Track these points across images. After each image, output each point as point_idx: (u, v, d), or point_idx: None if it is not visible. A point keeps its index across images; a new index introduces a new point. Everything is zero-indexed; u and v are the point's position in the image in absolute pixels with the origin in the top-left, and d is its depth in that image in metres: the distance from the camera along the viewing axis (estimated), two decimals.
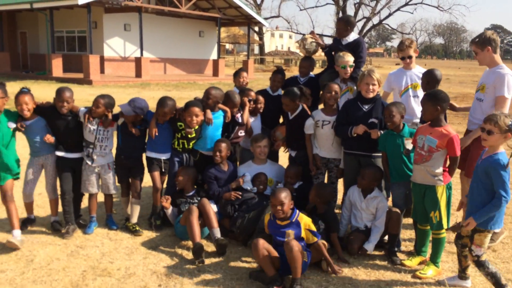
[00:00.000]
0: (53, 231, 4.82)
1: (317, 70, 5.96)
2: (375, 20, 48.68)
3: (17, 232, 4.43)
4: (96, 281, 3.85)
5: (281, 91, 5.60)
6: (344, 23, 5.43)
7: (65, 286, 3.76)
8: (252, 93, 5.47)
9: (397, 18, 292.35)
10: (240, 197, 4.78)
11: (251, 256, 4.35)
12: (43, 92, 18.04)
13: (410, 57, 5.05)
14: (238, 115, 5.22)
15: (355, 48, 5.35)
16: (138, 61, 24.25)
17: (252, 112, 5.49)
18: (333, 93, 4.85)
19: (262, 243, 3.83)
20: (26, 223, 4.93)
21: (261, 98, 5.48)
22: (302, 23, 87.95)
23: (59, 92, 4.69)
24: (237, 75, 5.82)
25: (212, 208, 4.61)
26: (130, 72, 25.94)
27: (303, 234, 4.00)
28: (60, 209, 4.91)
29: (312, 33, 5.79)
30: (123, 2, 23.85)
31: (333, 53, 5.47)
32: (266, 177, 4.99)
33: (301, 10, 75.51)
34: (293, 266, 3.71)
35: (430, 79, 4.63)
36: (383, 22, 50.32)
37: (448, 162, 4.07)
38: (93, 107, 4.71)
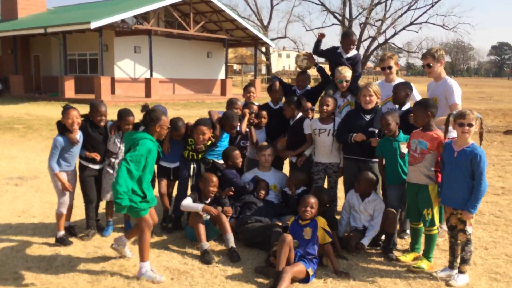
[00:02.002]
0: (69, 235, 5.15)
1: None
2: (381, 39, 49.18)
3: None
4: (114, 275, 4.19)
5: (281, 104, 5.97)
6: (352, 41, 5.78)
7: (86, 280, 4.11)
8: (255, 107, 5.87)
9: (403, 37, 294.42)
10: (232, 193, 5.14)
11: (255, 253, 4.70)
12: (57, 112, 18.60)
13: (390, 67, 5.39)
14: (238, 125, 5.61)
15: (355, 63, 5.74)
16: (147, 81, 24.89)
17: (257, 126, 5.87)
18: (324, 106, 5.23)
19: (290, 240, 4.14)
20: (71, 230, 5.22)
21: (264, 113, 5.86)
22: (308, 43, 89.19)
23: (97, 107, 5.01)
24: (245, 90, 6.23)
25: (225, 217, 4.91)
26: (140, 92, 26.59)
27: (319, 233, 4.35)
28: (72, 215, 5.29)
29: (321, 36, 6.02)
30: (134, 26, 24.63)
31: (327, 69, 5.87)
32: (267, 184, 5.33)
33: (307, 30, 76.56)
34: (277, 254, 4.05)
35: (396, 91, 5.01)
36: (389, 41, 50.79)
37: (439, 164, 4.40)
38: (121, 123, 5.06)
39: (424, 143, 4.33)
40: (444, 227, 4.74)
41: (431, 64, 5.07)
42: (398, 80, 5.44)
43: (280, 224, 4.86)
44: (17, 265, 4.39)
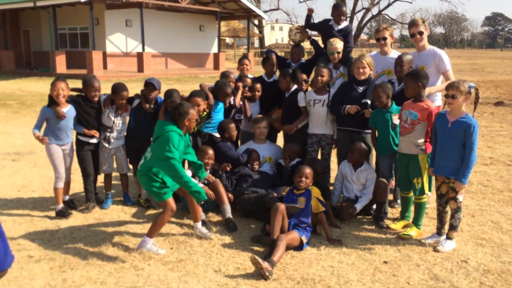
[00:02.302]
0: (69, 208, 5.27)
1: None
2: (375, 10, 48.83)
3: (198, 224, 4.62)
4: (116, 245, 4.35)
5: (276, 76, 6.06)
6: (342, 11, 5.85)
7: (88, 250, 4.26)
8: (248, 80, 5.95)
9: (397, 8, 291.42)
10: (229, 169, 5.26)
11: (251, 223, 4.87)
12: (48, 88, 18.53)
13: (385, 38, 5.45)
14: (231, 98, 5.69)
15: (346, 34, 5.81)
16: (140, 56, 24.69)
17: (251, 99, 5.95)
18: (319, 77, 5.32)
19: (283, 209, 4.29)
20: (70, 204, 5.33)
21: (258, 86, 5.94)
22: (301, 15, 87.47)
23: (91, 81, 5.07)
24: (239, 62, 6.30)
25: (224, 187, 5.05)
26: (132, 67, 26.40)
27: (312, 202, 4.50)
28: (71, 190, 5.43)
29: (310, 11, 6.14)
30: None
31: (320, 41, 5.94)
32: (258, 155, 5.45)
33: (300, 2, 75.45)
34: (271, 223, 4.22)
35: (399, 63, 5.04)
36: (383, 12, 50.43)
37: (429, 134, 4.54)
38: (115, 98, 5.12)
39: (414, 113, 4.45)
40: (429, 194, 4.91)
41: (422, 31, 5.16)
42: (393, 52, 5.52)
43: (275, 194, 5.01)
44: (20, 237, 4.53)
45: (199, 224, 4.58)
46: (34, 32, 29.58)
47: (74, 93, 5.18)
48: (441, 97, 5.32)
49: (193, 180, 4.30)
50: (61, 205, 5.08)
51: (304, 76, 5.63)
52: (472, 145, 4.07)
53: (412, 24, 5.27)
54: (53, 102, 4.93)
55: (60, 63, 23.57)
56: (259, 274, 3.77)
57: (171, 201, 4.25)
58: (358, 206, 4.91)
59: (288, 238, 4.16)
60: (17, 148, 8.32)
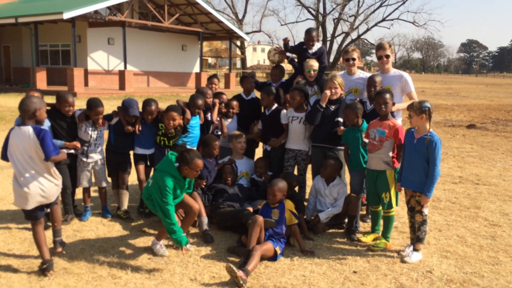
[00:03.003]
0: (48, 221, 5.32)
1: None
2: (354, 35, 50.06)
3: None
4: (94, 255, 4.44)
5: (254, 95, 6.33)
6: (312, 37, 6.12)
7: (66, 259, 4.33)
8: (224, 96, 6.18)
9: (375, 33, 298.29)
10: (203, 186, 5.38)
11: (227, 235, 5.02)
12: None
13: (354, 59, 5.76)
14: (208, 114, 5.90)
15: (320, 55, 6.11)
16: (121, 74, 24.80)
17: (226, 115, 6.16)
18: (291, 99, 5.64)
19: (261, 221, 4.45)
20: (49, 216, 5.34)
21: (234, 103, 6.17)
22: (283, 37, 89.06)
23: (65, 96, 5.16)
24: (208, 80, 6.57)
25: (202, 200, 5.19)
26: (114, 84, 26.45)
27: (286, 214, 4.68)
28: None
29: (286, 40, 6.48)
30: (107, 17, 24.47)
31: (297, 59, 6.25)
32: (233, 169, 5.62)
33: (282, 25, 77.10)
34: (249, 234, 4.38)
35: (373, 84, 5.33)
36: (362, 37, 51.73)
37: (396, 151, 4.80)
38: (91, 113, 5.26)
39: (382, 131, 4.73)
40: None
41: (389, 54, 5.49)
42: (359, 72, 5.85)
43: (250, 208, 5.17)
44: None
45: (160, 242, 4.60)
46: (15, 48, 29.46)
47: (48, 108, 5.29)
48: (401, 116, 5.67)
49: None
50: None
51: (288, 96, 5.88)
52: (435, 160, 4.33)
53: (380, 47, 5.60)
54: None
55: (41, 80, 23.48)
56: (234, 283, 3.91)
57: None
58: (323, 215, 5.15)
59: (263, 248, 4.32)
60: None
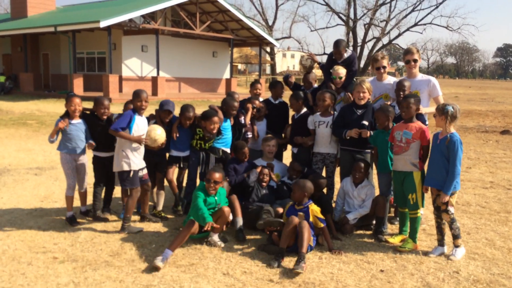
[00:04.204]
0: (87, 216, 5.72)
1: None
2: (385, 40, 49.65)
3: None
4: (133, 250, 4.72)
5: (281, 99, 6.61)
6: (340, 51, 6.19)
7: (107, 253, 4.63)
8: (257, 102, 6.42)
9: (407, 38, 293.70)
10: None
11: (258, 233, 5.22)
12: None
13: (384, 67, 5.90)
14: (242, 117, 6.15)
15: (350, 63, 6.25)
16: (154, 80, 25.45)
17: (258, 118, 6.41)
18: (321, 101, 5.77)
19: (296, 222, 4.61)
20: (88, 213, 5.77)
21: (262, 106, 6.44)
22: (313, 43, 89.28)
23: (101, 100, 5.57)
24: (252, 86, 6.78)
25: (238, 201, 5.41)
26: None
27: (311, 219, 4.83)
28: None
29: (310, 54, 6.73)
30: (141, 25, 25.20)
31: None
32: (269, 170, 5.79)
33: (312, 31, 76.84)
34: (300, 239, 4.49)
35: (402, 89, 5.41)
36: (393, 42, 51.21)
37: (422, 152, 4.91)
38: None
39: (409, 133, 4.86)
40: (422, 211, 5.23)
41: (416, 59, 5.61)
42: (388, 78, 5.96)
43: (280, 209, 5.34)
44: (45, 241, 4.92)
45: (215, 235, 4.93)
46: (53, 56, 30.64)
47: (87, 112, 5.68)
48: (427, 119, 5.72)
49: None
50: (71, 212, 5.50)
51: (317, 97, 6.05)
52: (455, 159, 4.50)
53: (407, 52, 5.71)
54: (66, 115, 5.45)
55: (78, 86, 24.35)
56: (264, 277, 4.10)
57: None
58: (351, 216, 5.28)
59: (307, 227, 4.53)
60: (39, 164, 8.80)
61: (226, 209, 4.93)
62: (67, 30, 24.13)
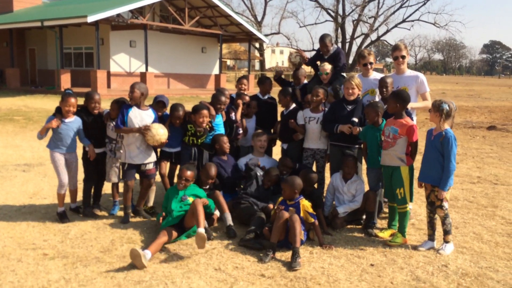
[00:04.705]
0: (78, 213, 5.69)
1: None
2: (373, 36, 49.94)
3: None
4: (124, 246, 4.70)
5: (269, 95, 6.64)
6: (325, 44, 6.29)
7: (98, 250, 4.61)
8: (247, 97, 6.43)
9: (395, 34, 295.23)
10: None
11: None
12: (54, 104, 18.99)
13: (371, 63, 5.96)
14: (232, 114, 6.15)
15: (335, 57, 6.30)
16: (143, 76, 25.29)
17: (247, 115, 6.41)
18: (314, 97, 5.77)
19: (286, 216, 4.62)
20: (78, 210, 5.72)
21: (254, 103, 6.45)
22: (302, 39, 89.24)
23: (92, 95, 5.54)
24: (238, 81, 6.78)
25: (223, 197, 5.42)
26: None
27: (301, 214, 4.86)
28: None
29: (298, 51, 6.78)
30: (129, 20, 24.99)
31: (318, 63, 6.44)
32: (276, 174, 5.75)
33: (300, 27, 77.09)
34: (292, 234, 4.51)
35: (385, 85, 5.50)
36: (381, 38, 51.52)
37: (410, 148, 4.96)
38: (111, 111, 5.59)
39: (395, 128, 4.91)
40: (410, 205, 5.29)
41: (404, 55, 5.66)
42: (374, 73, 6.03)
43: (271, 205, 5.36)
44: (35, 238, 4.89)
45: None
46: (40, 51, 30.27)
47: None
48: (415, 115, 5.79)
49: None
50: (62, 208, 5.45)
51: (309, 97, 6.07)
52: (449, 156, 4.56)
53: (396, 48, 5.76)
54: (58, 111, 5.39)
55: (65, 81, 24.11)
56: (256, 272, 4.13)
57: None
58: (341, 209, 5.33)
59: (299, 220, 4.56)
60: (27, 160, 8.71)
61: (196, 201, 4.77)
62: (54, 25, 23.86)
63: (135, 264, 4.20)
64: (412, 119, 5.20)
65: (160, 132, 5.25)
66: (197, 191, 5.22)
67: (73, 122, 5.43)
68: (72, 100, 5.34)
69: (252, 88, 30.66)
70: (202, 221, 4.59)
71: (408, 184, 4.93)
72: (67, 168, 5.46)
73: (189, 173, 5.13)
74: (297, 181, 4.92)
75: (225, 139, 5.88)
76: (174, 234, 4.77)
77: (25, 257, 4.40)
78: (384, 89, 5.44)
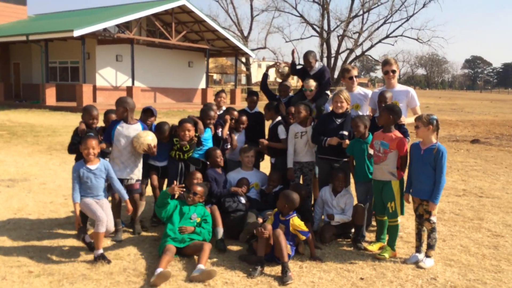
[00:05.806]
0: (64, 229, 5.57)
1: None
2: (358, 51, 50.53)
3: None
4: (111, 262, 4.63)
5: (257, 109, 6.67)
6: (308, 61, 6.38)
7: (84, 266, 4.52)
8: (235, 113, 6.44)
9: (379, 49, 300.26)
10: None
11: (239, 244, 5.21)
12: (39, 119, 18.84)
13: (356, 76, 6.07)
14: (219, 130, 6.14)
15: (320, 75, 6.37)
16: (129, 90, 25.20)
17: (236, 129, 6.42)
18: (297, 113, 5.79)
19: (270, 229, 4.59)
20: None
21: (243, 119, 6.44)
22: (288, 54, 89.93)
23: (89, 110, 5.50)
24: (217, 95, 6.85)
25: (218, 212, 5.36)
26: None
27: (293, 231, 4.84)
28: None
29: (293, 52, 6.94)
30: (116, 34, 24.98)
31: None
32: (248, 181, 5.83)
33: (286, 42, 77.75)
34: (278, 249, 4.49)
35: (384, 100, 5.54)
36: (366, 53, 52.17)
37: (399, 162, 5.00)
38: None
39: (385, 143, 4.94)
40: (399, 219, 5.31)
41: (395, 70, 5.74)
42: (359, 88, 6.15)
43: (260, 219, 5.34)
44: (20, 255, 4.79)
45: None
46: (25, 65, 30.04)
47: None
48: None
49: None
50: (100, 251, 4.67)
51: (292, 109, 6.10)
52: (441, 169, 4.62)
53: (386, 63, 5.84)
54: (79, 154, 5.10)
55: (50, 96, 23.95)
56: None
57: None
58: (337, 217, 5.35)
59: (283, 236, 4.54)
60: (11, 175, 8.57)
61: (208, 247, 4.65)
62: (39, 39, 23.78)
63: (154, 283, 4.10)
64: (406, 133, 5.27)
65: (143, 134, 5.26)
66: (206, 215, 5.12)
67: (99, 168, 4.86)
68: (93, 142, 4.78)
69: (239, 102, 30.82)
70: (205, 260, 4.55)
71: (399, 197, 4.97)
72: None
73: (199, 188, 5.09)
74: (294, 196, 4.86)
75: (218, 153, 5.84)
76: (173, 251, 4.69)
77: (9, 275, 4.30)
78: (383, 104, 5.47)
